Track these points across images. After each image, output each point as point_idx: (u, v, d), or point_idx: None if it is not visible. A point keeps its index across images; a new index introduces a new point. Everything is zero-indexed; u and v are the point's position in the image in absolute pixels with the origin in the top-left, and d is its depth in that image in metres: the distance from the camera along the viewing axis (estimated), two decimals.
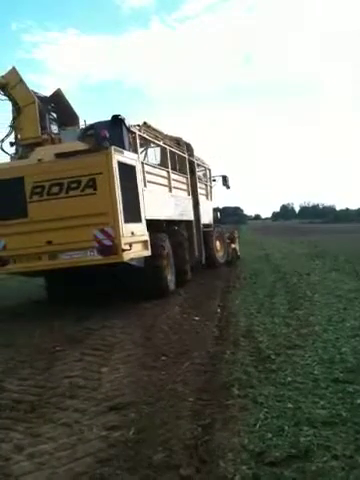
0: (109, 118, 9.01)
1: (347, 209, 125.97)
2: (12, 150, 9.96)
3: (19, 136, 9.81)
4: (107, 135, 8.20)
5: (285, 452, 3.04)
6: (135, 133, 9.58)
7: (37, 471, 3.14)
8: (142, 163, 9.44)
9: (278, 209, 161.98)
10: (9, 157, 9.89)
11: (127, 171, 8.41)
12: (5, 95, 9.71)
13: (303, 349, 5.34)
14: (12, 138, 9.92)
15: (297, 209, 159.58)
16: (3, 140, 9.87)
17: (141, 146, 10.36)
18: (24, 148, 9.60)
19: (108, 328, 7.26)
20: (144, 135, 10.33)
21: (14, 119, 9.80)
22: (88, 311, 8.68)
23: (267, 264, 15.71)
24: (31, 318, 8.47)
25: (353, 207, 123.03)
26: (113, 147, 7.98)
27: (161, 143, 11.37)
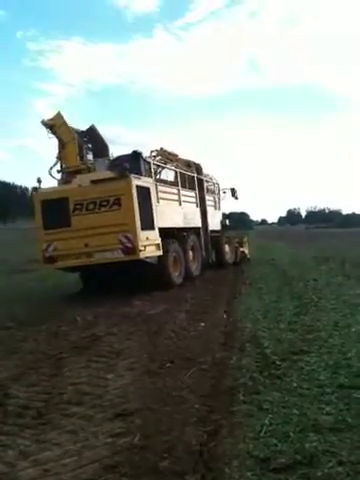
0: (130, 152, 11.83)
1: (353, 213, 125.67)
2: (58, 176, 12.71)
3: (63, 165, 12.64)
4: (128, 166, 10.88)
5: (290, 458, 3.03)
6: (150, 163, 12.27)
7: (43, 477, 3.15)
8: (156, 184, 12.00)
9: (284, 214, 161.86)
10: (56, 182, 12.61)
11: (143, 192, 11.05)
12: (52, 133, 12.58)
13: (309, 355, 5.33)
14: (58, 167, 12.76)
15: (303, 214, 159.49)
16: (51, 168, 12.67)
17: (156, 170, 12.99)
18: (67, 174, 12.35)
19: (114, 335, 7.28)
20: (158, 163, 13.38)
21: (59, 152, 12.64)
22: (94, 318, 8.73)
23: (273, 269, 15.70)
24: (37, 325, 8.49)
25: None
26: (132, 175, 10.69)
27: (173, 167, 14.22)
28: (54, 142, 12.74)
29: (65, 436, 3.77)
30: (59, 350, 6.56)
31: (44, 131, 12.63)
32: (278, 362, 5.14)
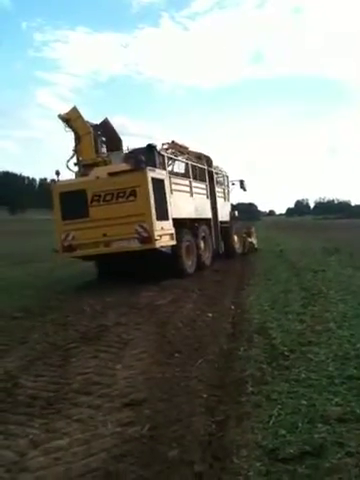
0: (145, 145, 12.15)
1: None
2: (75, 168, 13.06)
3: (80, 158, 12.96)
4: (143, 159, 11.10)
5: (299, 449, 3.04)
6: (164, 155, 12.63)
7: (53, 466, 3.18)
8: (169, 176, 12.30)
9: (292, 205, 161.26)
10: (73, 174, 12.94)
11: (158, 183, 11.40)
12: (69, 127, 12.95)
13: (317, 346, 5.31)
14: (74, 159, 13.08)
15: (312, 205, 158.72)
16: (68, 161, 13.03)
17: (169, 163, 13.24)
18: (84, 167, 12.70)
19: (122, 325, 7.30)
20: (171, 155, 13.71)
21: (76, 145, 13.00)
22: (102, 308, 8.75)
23: (281, 260, 15.65)
24: (45, 315, 8.54)
25: None
26: (148, 167, 11.01)
27: (185, 159, 14.53)
28: (61, 133, 13.06)
29: (74, 425, 3.80)
30: (67, 340, 6.59)
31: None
32: (286, 353, 5.13)
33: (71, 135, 13.03)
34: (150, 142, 12.20)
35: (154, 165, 11.70)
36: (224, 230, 17.08)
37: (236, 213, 19.95)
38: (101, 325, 7.33)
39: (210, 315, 7.67)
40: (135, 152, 12.40)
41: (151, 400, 4.19)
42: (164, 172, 12.08)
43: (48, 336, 6.98)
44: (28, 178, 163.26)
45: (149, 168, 11.12)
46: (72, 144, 13.06)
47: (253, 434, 3.32)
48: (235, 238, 18.20)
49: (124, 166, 11.48)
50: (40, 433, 3.71)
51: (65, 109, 13.17)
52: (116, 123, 13.87)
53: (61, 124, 12.93)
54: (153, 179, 11.14)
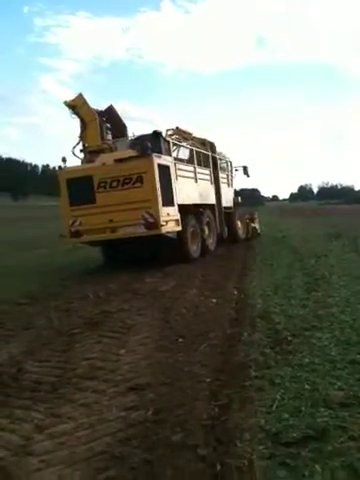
0: (151, 132, 12.28)
1: None
2: (81, 155, 13.12)
3: (86, 145, 13.01)
4: (149, 145, 11.24)
5: (302, 432, 3.05)
6: (169, 142, 12.74)
7: (58, 450, 3.21)
8: (174, 162, 12.39)
9: (296, 190, 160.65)
10: (80, 161, 13.03)
11: (164, 170, 11.53)
12: (75, 114, 12.97)
13: (320, 330, 5.31)
14: (80, 146, 13.12)
15: (315, 190, 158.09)
16: (74, 147, 13.08)
17: (174, 149, 13.25)
18: (90, 154, 12.76)
19: (125, 311, 7.33)
20: (176, 142, 13.81)
21: (81, 132, 13.02)
22: (106, 294, 8.79)
23: (284, 246, 15.62)
24: (49, 301, 8.58)
25: None
26: (154, 154, 11.15)
27: (189, 145, 14.60)
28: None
29: (79, 410, 3.83)
30: (71, 326, 6.63)
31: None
32: (289, 338, 5.14)
33: (73, 121, 13.02)
34: (155, 128, 12.32)
35: (160, 151, 11.80)
36: (228, 216, 17.24)
37: (239, 199, 20.04)
38: (105, 311, 7.37)
39: (214, 301, 7.69)
40: (141, 139, 12.50)
41: (155, 385, 4.22)
42: (170, 158, 12.21)
43: (52, 322, 7.02)
44: (31, 164, 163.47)
45: (155, 154, 11.24)
46: (75, 130, 13.10)
47: (256, 418, 3.34)
48: (238, 223, 18.40)
49: (130, 152, 11.58)
50: (45, 417, 3.74)
51: (70, 96, 13.58)
52: (117, 108, 13.83)
53: (67, 111, 12.96)
54: (159, 165, 11.26)
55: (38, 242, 23.56)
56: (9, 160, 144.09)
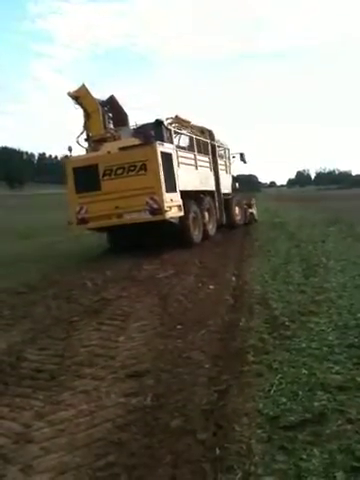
0: (153, 121, 12.64)
1: None
2: (85, 144, 13.65)
3: (90, 134, 13.55)
4: (152, 133, 11.97)
5: (299, 416, 3.08)
6: (171, 130, 13.15)
7: (58, 437, 3.23)
8: (176, 150, 12.72)
9: (294, 176, 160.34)
10: (84, 150, 13.51)
11: (166, 157, 11.88)
12: (78, 104, 13.51)
13: (318, 315, 5.34)
14: (84, 135, 13.68)
15: (313, 175, 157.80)
16: (78, 136, 13.63)
17: (175, 137, 13.65)
18: (94, 143, 13.24)
19: (124, 298, 7.35)
20: (177, 130, 14.20)
21: (85, 122, 13.57)
22: (104, 282, 8.80)
23: (282, 232, 15.64)
24: (47, 289, 8.59)
25: None
26: (157, 142, 11.55)
27: (189, 133, 14.95)
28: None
29: (78, 397, 3.85)
30: (70, 314, 6.64)
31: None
32: (287, 323, 5.16)
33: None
34: (158, 117, 12.65)
35: (162, 139, 12.12)
36: (226, 202, 17.57)
37: (237, 185, 20.35)
38: (103, 298, 7.38)
39: (211, 287, 7.70)
40: (144, 127, 13.07)
41: (154, 371, 4.24)
42: (171, 146, 12.57)
43: (51, 310, 7.04)
44: (27, 153, 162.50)
45: (158, 142, 11.59)
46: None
47: (254, 402, 3.36)
48: (236, 209, 18.77)
49: (134, 141, 12.00)
50: (45, 405, 3.77)
51: (74, 87, 13.74)
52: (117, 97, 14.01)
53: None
54: (162, 153, 11.60)
55: (36, 230, 23.49)
56: (5, 148, 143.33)
